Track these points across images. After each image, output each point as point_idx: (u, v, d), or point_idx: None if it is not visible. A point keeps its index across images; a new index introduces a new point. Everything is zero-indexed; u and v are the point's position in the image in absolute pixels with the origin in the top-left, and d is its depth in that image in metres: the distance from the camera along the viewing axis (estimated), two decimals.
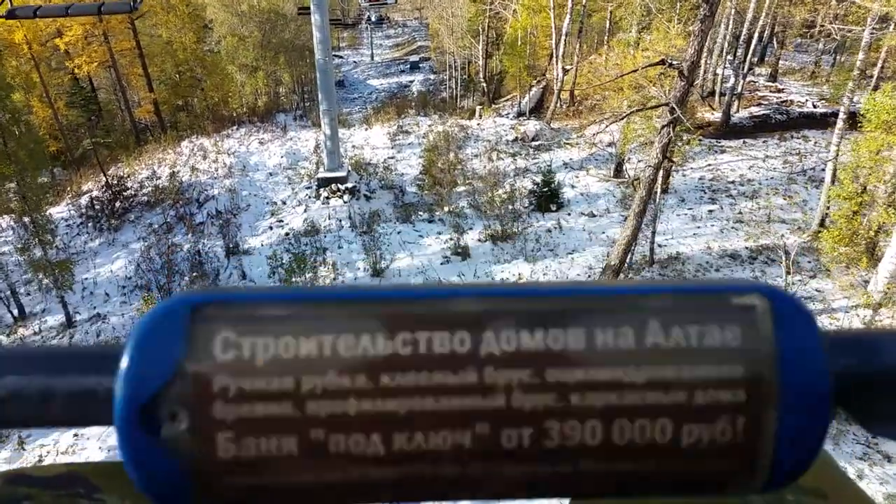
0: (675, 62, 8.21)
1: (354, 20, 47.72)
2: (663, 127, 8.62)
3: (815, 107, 19.97)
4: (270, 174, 18.84)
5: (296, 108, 27.79)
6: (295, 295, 0.23)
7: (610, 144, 19.27)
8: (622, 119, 9.18)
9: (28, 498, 0.39)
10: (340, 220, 15.78)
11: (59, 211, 17.75)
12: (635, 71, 8.52)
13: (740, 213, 14.87)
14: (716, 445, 0.22)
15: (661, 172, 9.04)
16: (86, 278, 14.77)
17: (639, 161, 17.08)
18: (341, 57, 47.46)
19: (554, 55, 22.73)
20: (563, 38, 21.25)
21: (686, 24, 12.68)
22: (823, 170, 16.59)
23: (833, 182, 12.96)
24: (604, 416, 0.22)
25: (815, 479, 0.39)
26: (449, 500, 0.23)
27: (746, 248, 13.36)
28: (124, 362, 0.22)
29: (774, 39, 23.26)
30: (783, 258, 9.97)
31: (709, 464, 0.23)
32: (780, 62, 24.81)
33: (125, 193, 17.62)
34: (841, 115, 12.84)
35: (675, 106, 8.29)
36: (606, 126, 9.98)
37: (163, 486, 0.22)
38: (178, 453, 0.22)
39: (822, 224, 13.41)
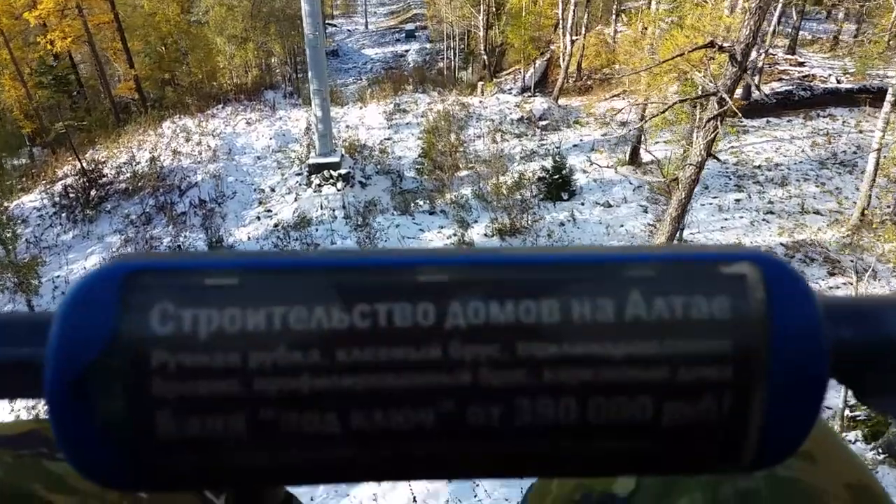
0: (725, 45, 6.97)
1: None
2: (709, 120, 7.40)
3: (839, 82, 18.69)
4: (258, 158, 17.54)
5: (286, 84, 26.37)
6: (242, 262, 0.22)
7: (623, 124, 17.99)
8: (665, 111, 7.96)
9: None
10: (334, 210, 14.56)
11: (31, 200, 16.48)
12: (681, 55, 7.29)
13: (770, 202, 13.67)
14: (699, 424, 0.21)
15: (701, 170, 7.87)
16: (57, 276, 13.58)
17: (655, 143, 15.82)
18: (335, 25, 46.09)
19: (561, 26, 21.32)
20: (572, 7, 19.81)
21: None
22: (855, 153, 15.40)
23: (877, 172, 11.73)
24: (579, 394, 0.21)
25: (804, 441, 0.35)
26: (412, 481, 0.22)
27: (781, 244, 12.17)
28: (54, 332, 0.20)
29: (794, 8, 21.80)
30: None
31: (691, 443, 0.21)
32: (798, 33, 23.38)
33: (101, 181, 16.30)
34: (889, 98, 11.51)
35: (725, 96, 7.05)
36: (647, 121, 8.72)
37: (99, 467, 0.21)
38: (114, 432, 0.20)
39: (861, 216, 12.22)
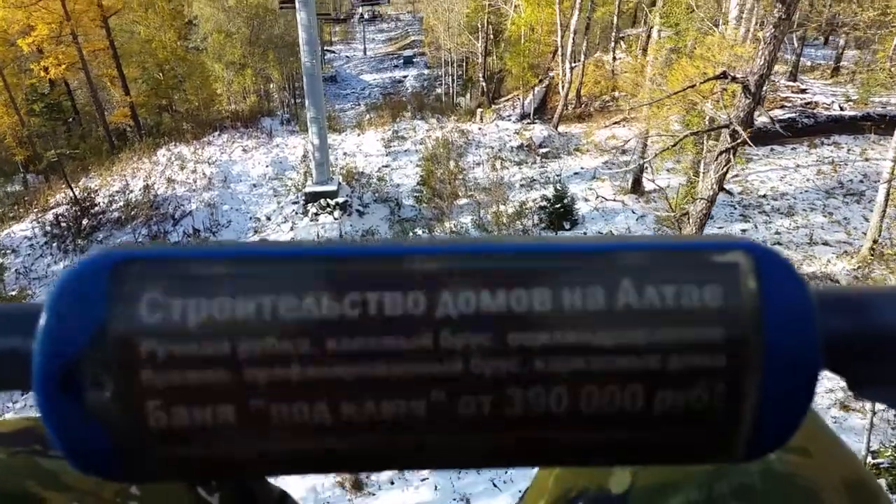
0: (738, 75, 6.69)
1: (346, 15, 46.29)
2: (721, 153, 7.10)
3: (842, 109, 18.46)
4: (254, 185, 17.25)
5: (284, 110, 26.18)
6: (231, 252, 0.22)
7: (623, 152, 17.75)
8: (676, 144, 7.66)
9: None
10: (331, 240, 14.24)
11: (22, 229, 16.15)
12: (693, 86, 7.00)
13: (777, 233, 13.32)
14: (692, 413, 0.21)
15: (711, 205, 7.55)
16: None
17: (658, 173, 15.55)
18: (333, 52, 46.28)
19: (560, 53, 21.18)
20: (571, 34, 19.67)
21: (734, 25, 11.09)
22: (861, 181, 15.13)
23: (887, 203, 11.43)
24: (570, 382, 0.21)
25: (798, 436, 0.34)
26: (403, 469, 0.22)
27: None
28: (42, 321, 0.20)
29: (794, 34, 21.70)
30: None
31: (684, 432, 0.21)
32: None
33: (93, 210, 15.98)
34: None
35: (738, 128, 6.75)
36: (656, 155, 8.40)
37: (90, 457, 0.21)
38: (105, 423, 0.20)
39: (872, 248, 11.90)
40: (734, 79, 6.64)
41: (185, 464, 0.21)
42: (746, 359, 0.21)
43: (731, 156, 7.22)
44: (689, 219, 7.88)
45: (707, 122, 9.24)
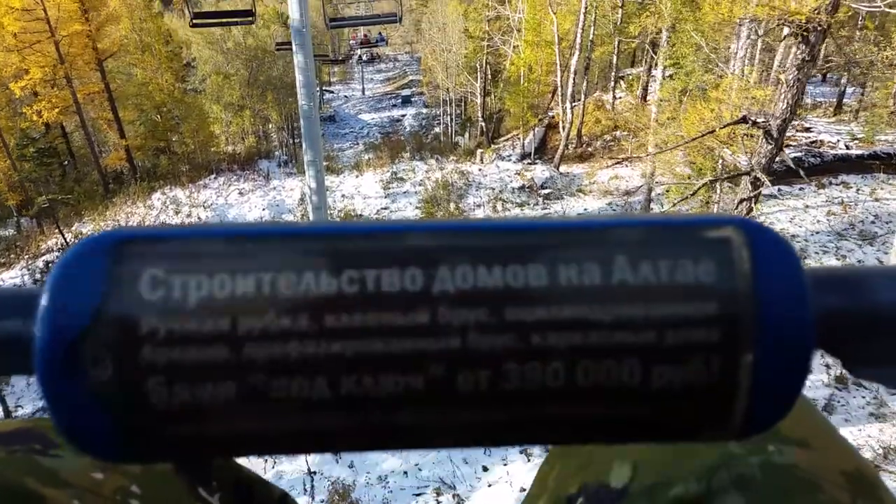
0: (759, 120, 6.32)
1: (344, 56, 46.50)
2: (742, 201, 6.69)
3: (848, 148, 18.18)
4: None
5: (283, 150, 25.95)
6: (230, 230, 0.22)
7: (627, 193, 17.41)
8: (695, 193, 7.23)
9: None
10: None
11: (12, 276, 15.71)
12: (712, 132, 6.61)
13: None
14: (688, 388, 0.21)
15: None
16: None
17: (661, 211, 15.15)
18: (332, 91, 46.45)
19: (560, 93, 20.99)
20: (572, 75, 19.48)
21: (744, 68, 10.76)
22: (873, 222, 14.76)
23: None
24: (567, 358, 0.21)
25: (797, 428, 0.39)
26: (403, 448, 0.22)
27: None
28: (43, 303, 0.20)
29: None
30: None
31: (681, 408, 0.21)
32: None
33: None
34: None
35: (760, 175, 6.35)
36: (675, 204, 7.97)
37: (90, 438, 0.21)
38: (106, 402, 0.20)
39: None
40: (755, 123, 6.26)
41: (186, 442, 0.21)
42: (740, 334, 0.21)
43: (753, 204, 6.79)
44: None
45: (720, 167, 8.86)
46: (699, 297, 0.21)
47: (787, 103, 6.21)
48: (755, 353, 0.21)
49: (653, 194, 14.52)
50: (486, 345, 0.21)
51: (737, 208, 6.88)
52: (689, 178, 9.47)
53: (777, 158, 6.30)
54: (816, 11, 5.71)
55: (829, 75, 26.54)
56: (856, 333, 0.23)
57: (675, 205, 7.75)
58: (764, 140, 6.36)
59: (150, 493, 0.40)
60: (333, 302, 0.21)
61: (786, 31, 6.16)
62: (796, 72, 5.92)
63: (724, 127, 6.48)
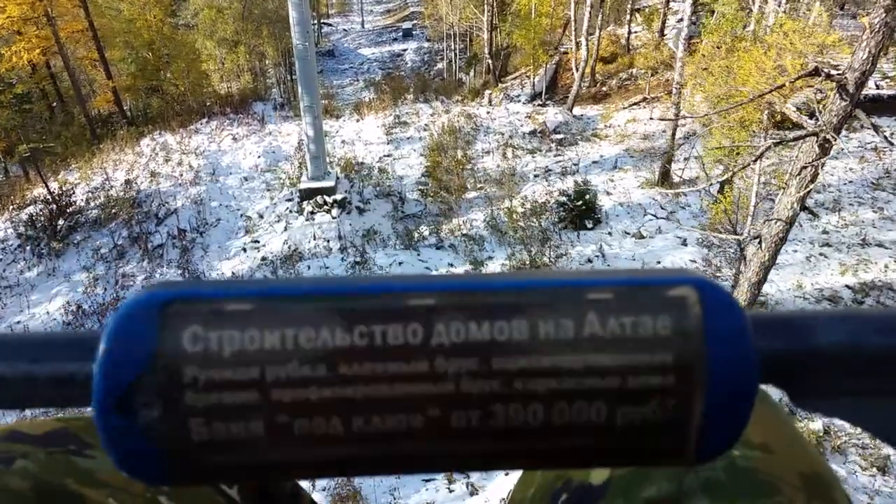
0: (833, 72, 5.33)
1: None
2: (804, 168, 5.76)
3: (878, 87, 17.01)
4: (245, 179, 15.86)
5: (279, 89, 24.77)
6: (259, 290, 0.25)
7: (646, 137, 16.35)
8: (758, 159, 6.27)
9: (24, 455, 0.41)
10: (328, 241, 12.92)
11: None
12: (781, 86, 5.63)
13: (825, 232, 11.92)
14: (648, 425, 0.24)
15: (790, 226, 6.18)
16: (17, 322, 11.96)
17: (686, 160, 14.14)
18: (330, 25, 45.15)
19: (574, 29, 19.68)
20: (588, 7, 18.15)
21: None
22: None
23: None
24: (545, 400, 0.24)
25: (761, 433, 0.42)
26: (405, 473, 0.26)
27: (846, 285, 10.48)
28: (101, 354, 0.24)
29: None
30: None
31: (641, 441, 0.25)
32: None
33: (70, 209, 14.62)
34: None
35: (831, 136, 5.41)
36: (734, 173, 6.99)
37: (140, 467, 0.24)
38: (154, 438, 0.24)
39: None
40: (829, 76, 5.30)
41: (221, 470, 0.25)
42: (692, 379, 0.24)
43: (820, 168, 5.84)
44: (761, 243, 6.55)
45: (765, 121, 7.85)
46: (658, 348, 0.24)
47: (870, 52, 5.19)
48: (705, 395, 0.24)
49: (678, 136, 13.43)
50: (476, 389, 0.24)
51: (800, 173, 5.95)
52: (736, 139, 8.43)
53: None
54: None
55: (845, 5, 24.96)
56: (797, 371, 0.26)
57: (734, 172, 6.79)
58: (838, 96, 5.39)
59: (177, 489, 0.44)
60: (346, 353, 0.24)
61: None
62: (884, 14, 4.91)
63: (796, 80, 5.50)
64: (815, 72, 5.31)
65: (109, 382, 0.23)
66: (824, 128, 5.43)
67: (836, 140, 5.37)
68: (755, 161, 6.19)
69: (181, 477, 0.25)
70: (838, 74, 5.27)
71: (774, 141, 5.82)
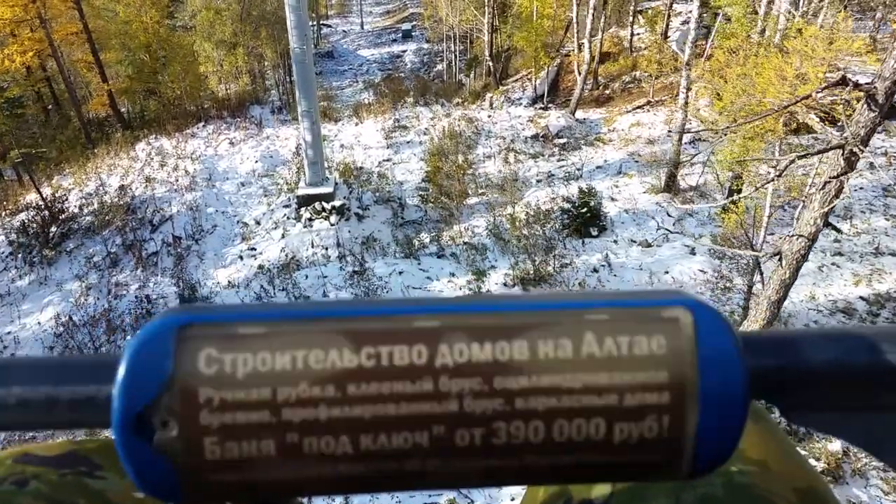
0: (862, 82, 5.02)
1: None
2: (828, 182, 5.45)
3: None
4: (242, 184, 15.57)
5: (278, 91, 24.43)
6: (270, 314, 0.26)
7: (651, 142, 16.03)
8: (780, 175, 5.95)
9: (36, 477, 0.41)
10: (327, 249, 12.60)
11: None
12: (807, 97, 5.30)
13: (836, 241, 11.60)
14: (644, 441, 0.25)
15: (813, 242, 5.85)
16: (8, 332, 11.62)
17: (692, 166, 13.82)
18: (330, 26, 44.92)
19: (577, 32, 19.38)
20: (590, 9, 17.83)
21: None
22: None
23: None
24: (545, 418, 0.25)
25: (758, 449, 0.43)
26: (411, 490, 0.26)
27: (861, 297, 10.16)
28: (120, 376, 0.25)
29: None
30: None
31: (638, 457, 0.25)
32: None
33: (63, 216, 14.29)
34: None
35: (858, 148, 5.10)
36: (756, 188, 6.67)
37: (157, 484, 0.25)
38: (170, 456, 0.24)
39: None
40: (857, 86, 4.99)
41: (235, 488, 0.25)
42: (686, 396, 0.25)
43: (845, 182, 5.53)
44: (782, 260, 6.23)
45: (780, 129, 7.51)
46: (653, 366, 0.25)
47: None
48: (699, 411, 0.25)
49: (685, 141, 13.11)
50: (479, 408, 0.25)
51: (823, 188, 5.63)
52: (750, 147, 8.09)
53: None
54: None
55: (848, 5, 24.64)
56: (786, 387, 0.27)
57: (756, 188, 6.47)
58: (866, 106, 5.08)
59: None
60: (354, 374, 0.25)
61: None
62: None
63: (823, 90, 5.18)
64: (843, 81, 5.01)
65: (128, 403, 0.24)
66: (851, 140, 5.12)
67: (862, 153, 5.06)
68: (779, 176, 5.88)
69: (196, 495, 0.25)
70: (867, 84, 4.97)
71: (798, 154, 5.48)
